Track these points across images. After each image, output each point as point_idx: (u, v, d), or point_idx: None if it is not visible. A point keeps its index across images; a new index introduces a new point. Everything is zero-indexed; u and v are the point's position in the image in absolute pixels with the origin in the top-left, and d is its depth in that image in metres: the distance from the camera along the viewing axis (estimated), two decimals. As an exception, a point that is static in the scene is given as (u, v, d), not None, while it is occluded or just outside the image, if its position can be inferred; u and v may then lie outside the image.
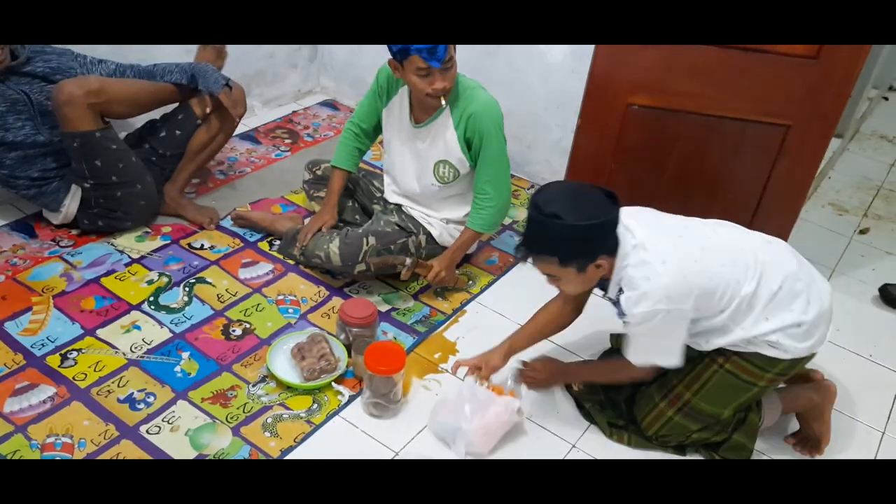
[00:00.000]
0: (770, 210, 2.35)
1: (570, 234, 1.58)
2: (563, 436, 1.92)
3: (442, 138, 2.15)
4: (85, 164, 2.23)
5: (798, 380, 2.00)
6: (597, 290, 1.82)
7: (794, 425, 2.00)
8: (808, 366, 2.00)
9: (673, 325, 1.66)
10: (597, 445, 1.91)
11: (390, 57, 2.01)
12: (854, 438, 2.02)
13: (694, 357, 1.80)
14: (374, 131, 2.36)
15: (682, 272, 1.63)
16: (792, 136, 2.22)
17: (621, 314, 1.68)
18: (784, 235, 2.39)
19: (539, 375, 1.99)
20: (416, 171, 2.25)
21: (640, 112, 2.24)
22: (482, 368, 1.91)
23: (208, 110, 2.38)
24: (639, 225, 1.68)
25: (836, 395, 1.96)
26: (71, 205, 2.30)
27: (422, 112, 2.15)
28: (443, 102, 2.05)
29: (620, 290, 1.67)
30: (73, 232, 2.38)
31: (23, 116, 2.18)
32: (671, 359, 1.73)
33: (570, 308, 1.93)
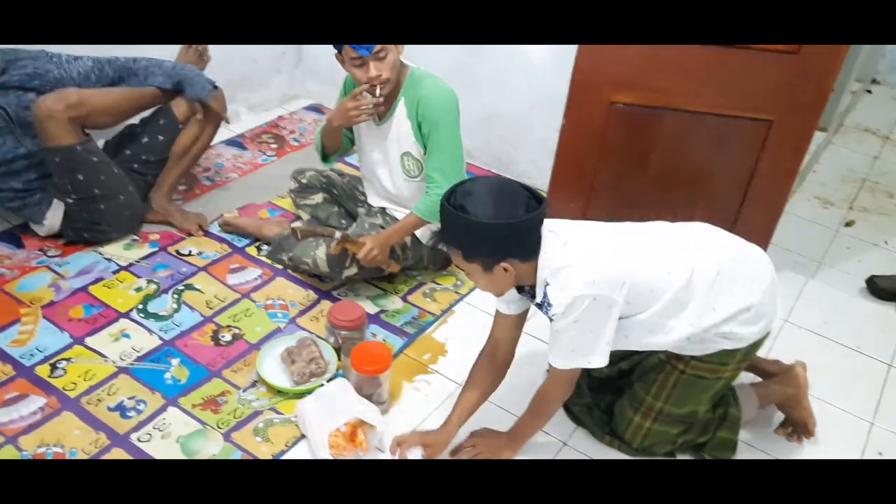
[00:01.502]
0: (755, 204, 2.37)
1: (472, 229, 1.50)
2: (554, 433, 1.93)
3: (401, 129, 2.17)
4: (67, 179, 2.22)
5: (767, 374, 2.02)
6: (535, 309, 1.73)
7: (779, 417, 2.02)
8: (787, 360, 2.02)
9: (600, 316, 1.57)
10: (588, 444, 1.92)
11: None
12: (842, 430, 2.04)
13: (655, 366, 1.80)
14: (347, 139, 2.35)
15: (610, 261, 1.58)
16: (774, 130, 2.24)
17: (548, 306, 1.58)
18: (769, 229, 2.41)
19: (479, 449, 1.82)
20: (387, 169, 2.27)
21: (624, 110, 2.26)
22: (431, 448, 1.79)
23: (199, 116, 2.37)
24: (566, 228, 1.63)
25: (807, 382, 1.95)
26: (54, 217, 2.29)
27: (382, 109, 2.17)
28: (376, 93, 2.04)
29: (547, 284, 1.59)
30: (61, 241, 2.37)
31: (3, 131, 2.16)
32: (597, 358, 1.62)
33: (501, 354, 1.82)
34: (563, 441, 1.92)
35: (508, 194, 1.54)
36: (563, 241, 1.60)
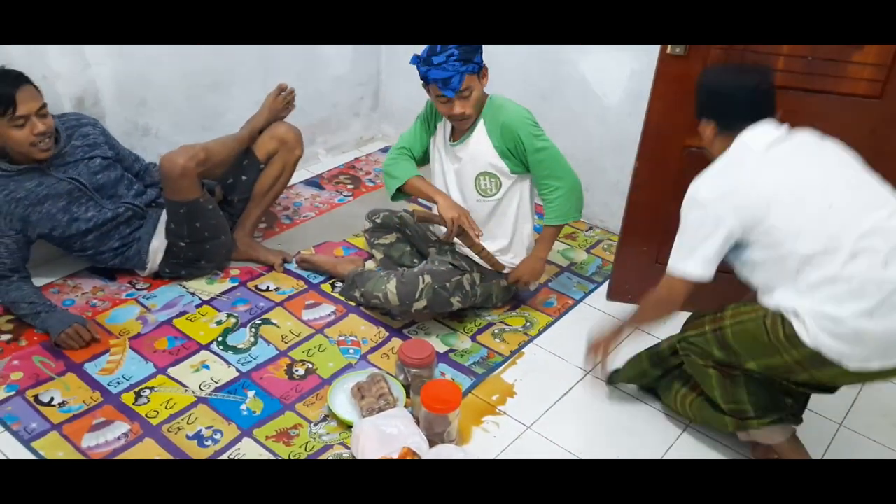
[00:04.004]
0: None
1: (701, 84, 1.78)
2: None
3: (479, 150, 2.22)
4: (186, 228, 2.34)
5: None
6: None
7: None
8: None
9: (707, 227, 1.65)
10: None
11: None
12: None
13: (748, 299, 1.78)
14: (419, 159, 2.39)
15: (758, 184, 1.62)
16: (857, 175, 2.17)
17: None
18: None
19: (598, 339, 2.01)
20: (459, 191, 2.30)
21: (699, 153, 2.23)
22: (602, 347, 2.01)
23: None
24: (775, 135, 1.69)
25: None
26: (154, 261, 2.41)
27: (458, 131, 2.24)
28: (464, 126, 2.18)
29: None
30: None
31: (83, 201, 2.27)
32: (693, 266, 1.68)
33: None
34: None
35: (749, 73, 1.76)
36: (756, 144, 1.67)
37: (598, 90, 2.78)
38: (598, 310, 2.51)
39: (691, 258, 1.68)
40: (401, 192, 2.33)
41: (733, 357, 1.75)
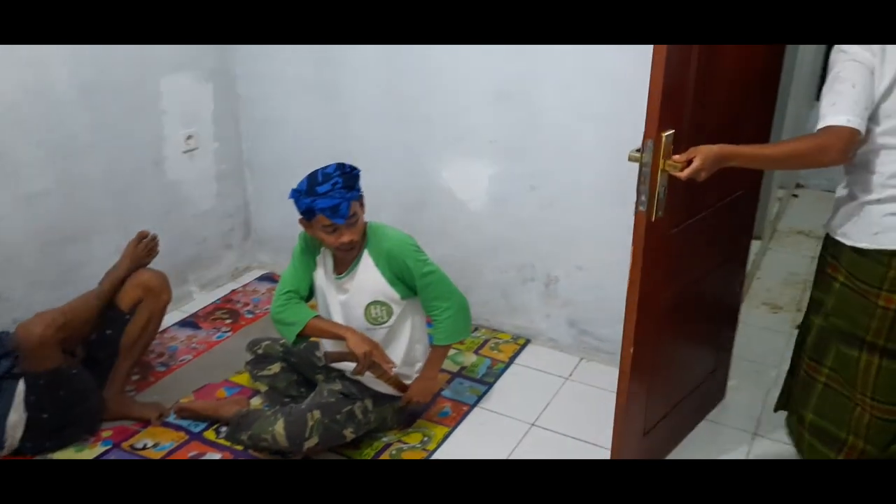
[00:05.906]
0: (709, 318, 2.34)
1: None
2: None
3: (367, 280, 2.20)
4: (49, 398, 2.16)
5: None
6: None
7: None
8: None
9: (852, 74, 1.56)
10: None
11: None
12: None
13: None
14: (307, 297, 2.32)
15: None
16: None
17: None
18: (730, 343, 2.42)
19: (694, 165, 1.65)
20: (345, 323, 2.23)
21: (684, 300, 2.09)
22: None
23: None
24: None
25: None
26: (14, 437, 2.19)
27: (342, 263, 2.22)
28: (351, 256, 2.17)
29: None
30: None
31: None
32: (838, 113, 1.55)
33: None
34: None
35: None
36: None
37: (463, 197, 2.87)
38: (493, 412, 2.50)
39: (839, 105, 1.58)
40: (300, 337, 2.23)
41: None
